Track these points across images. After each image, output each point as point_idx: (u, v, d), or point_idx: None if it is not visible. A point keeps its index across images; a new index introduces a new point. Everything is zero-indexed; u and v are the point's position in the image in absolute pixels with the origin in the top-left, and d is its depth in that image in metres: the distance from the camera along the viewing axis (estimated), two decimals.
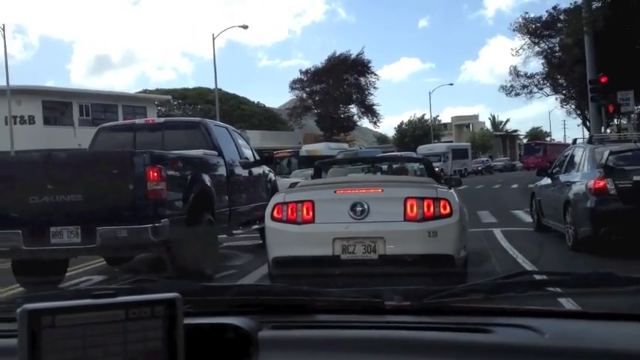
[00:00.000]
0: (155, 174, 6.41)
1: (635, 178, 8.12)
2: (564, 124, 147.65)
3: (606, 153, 8.41)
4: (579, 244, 8.56)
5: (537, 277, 1.68)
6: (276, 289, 1.75)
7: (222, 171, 8.51)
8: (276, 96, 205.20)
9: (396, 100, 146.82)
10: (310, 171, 10.46)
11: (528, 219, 12.72)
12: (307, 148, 33.92)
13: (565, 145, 71.68)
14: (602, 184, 8.21)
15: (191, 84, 61.20)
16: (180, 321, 1.00)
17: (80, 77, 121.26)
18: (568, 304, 2.83)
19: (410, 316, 1.45)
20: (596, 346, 1.21)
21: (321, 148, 34.83)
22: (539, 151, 58.97)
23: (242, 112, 56.79)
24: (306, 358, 1.25)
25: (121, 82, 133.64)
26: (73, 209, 6.45)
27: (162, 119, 10.34)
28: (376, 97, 65.80)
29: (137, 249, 6.93)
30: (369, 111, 58.48)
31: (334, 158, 17.72)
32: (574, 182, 9.14)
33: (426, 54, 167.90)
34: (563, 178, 9.93)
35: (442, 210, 5.53)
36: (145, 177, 6.37)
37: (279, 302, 1.52)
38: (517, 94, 42.68)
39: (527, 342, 1.24)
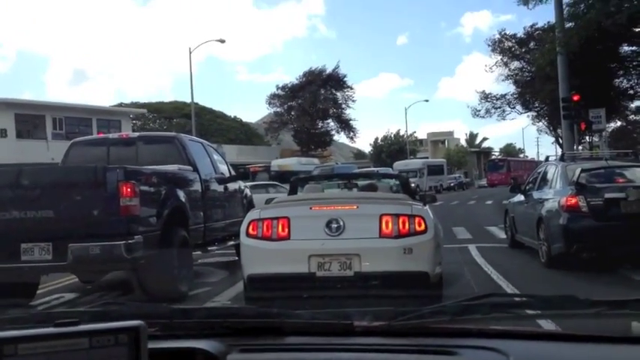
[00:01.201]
0: (128, 189, 6.34)
1: (607, 195, 8.24)
2: (537, 142, 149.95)
3: (578, 170, 8.53)
4: (552, 261, 8.63)
5: (502, 299, 1.72)
6: (245, 311, 1.74)
7: (197, 186, 8.45)
8: (253, 111, 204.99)
9: (375, 116, 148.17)
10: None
11: (502, 235, 12.82)
12: (278, 163, 33.72)
13: (529, 162, 71.44)
14: (573, 201, 8.31)
15: (170, 98, 60.87)
16: (144, 348, 0.99)
17: (57, 90, 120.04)
18: (533, 326, 2.94)
19: (378, 337, 1.46)
20: None
21: (292, 163, 34.72)
22: (503, 168, 59.15)
23: (218, 127, 56.58)
24: None
25: (99, 96, 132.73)
26: (45, 225, 6.34)
27: (136, 134, 10.25)
28: (353, 112, 66.23)
29: (110, 266, 6.82)
30: (346, 126, 58.70)
31: (310, 174, 17.71)
32: (546, 199, 9.24)
33: (404, 70, 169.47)
34: (536, 195, 10.04)
35: (417, 227, 5.54)
36: (118, 193, 6.30)
37: (247, 325, 1.51)
38: (488, 114, 43.08)
39: None
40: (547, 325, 2.26)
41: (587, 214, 8.23)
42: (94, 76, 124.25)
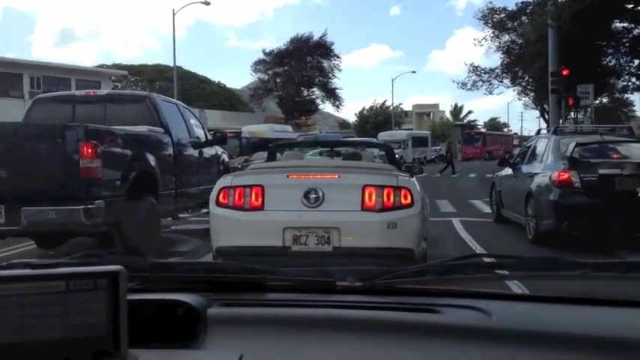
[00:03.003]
0: (89, 150, 5.82)
1: (601, 171, 7.88)
2: (522, 116, 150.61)
3: (572, 144, 8.14)
4: (540, 238, 8.33)
5: (487, 259, 1.65)
6: (227, 267, 1.67)
7: (168, 150, 7.93)
8: (240, 77, 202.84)
9: (363, 87, 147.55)
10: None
11: (487, 209, 12.54)
12: (250, 129, 31.95)
13: (507, 136, 70.82)
14: (566, 176, 7.95)
15: (158, 62, 59.33)
16: (123, 294, 0.97)
17: (42, 50, 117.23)
18: (516, 287, 2.90)
19: (361, 295, 1.46)
20: (543, 329, 1.23)
21: (264, 129, 33.36)
22: (479, 141, 57.68)
23: (202, 92, 55.63)
24: (255, 335, 1.24)
25: (85, 57, 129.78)
26: None
27: (105, 91, 9.65)
28: (340, 81, 65.37)
29: (68, 232, 6.32)
30: (332, 95, 58.02)
31: (293, 140, 17.15)
32: (537, 174, 8.87)
33: (395, 42, 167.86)
34: (525, 169, 9.67)
35: (403, 200, 5.09)
36: (78, 153, 5.78)
37: (230, 280, 1.51)
38: (475, 88, 42.61)
39: (475, 323, 1.26)
40: (531, 286, 2.23)
41: (579, 190, 7.88)
42: (81, 38, 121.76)
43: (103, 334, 0.95)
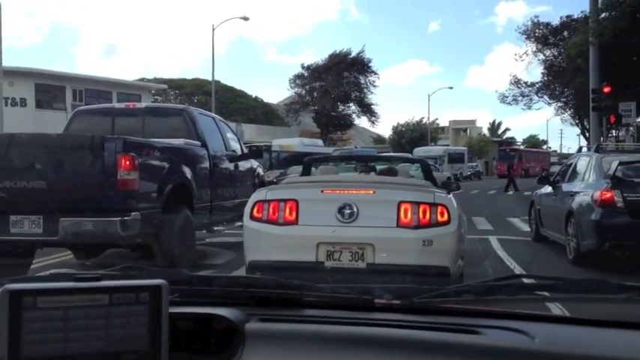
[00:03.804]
0: (127, 162, 5.87)
1: None
2: (561, 133, 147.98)
3: (615, 163, 7.92)
4: (581, 258, 8.10)
5: (529, 280, 1.62)
6: (265, 281, 1.66)
7: (205, 163, 7.96)
8: (277, 92, 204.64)
9: (400, 103, 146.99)
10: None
11: (525, 228, 12.29)
12: (280, 143, 31.98)
13: (543, 153, 68.75)
14: (609, 195, 7.73)
15: (195, 76, 60.29)
16: (165, 308, 0.97)
17: (85, 64, 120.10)
18: (559, 309, 2.73)
19: (399, 314, 1.44)
20: (587, 353, 1.20)
21: (294, 143, 33.37)
22: (514, 158, 56.41)
23: (239, 106, 56.16)
24: (293, 351, 1.23)
25: (127, 70, 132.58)
26: (36, 197, 5.92)
27: (143, 104, 9.75)
28: (376, 97, 65.22)
29: (104, 243, 6.38)
30: (367, 110, 57.97)
31: (327, 155, 17.11)
32: (578, 192, 8.65)
33: (433, 57, 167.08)
34: (565, 187, 9.45)
35: (439, 217, 4.99)
36: (116, 165, 5.84)
37: (268, 295, 1.50)
38: (515, 102, 42.14)
39: (517, 345, 1.24)
40: (575, 308, 2.09)
41: (622, 210, 7.66)
42: (123, 51, 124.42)
43: (144, 348, 0.96)
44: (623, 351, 1.23)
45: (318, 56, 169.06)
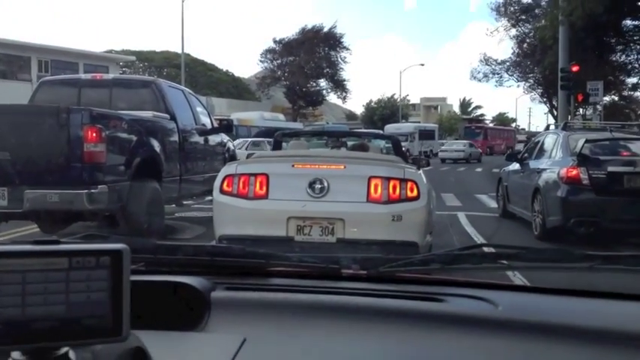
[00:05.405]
0: (94, 134, 5.76)
1: (610, 168, 7.78)
2: (530, 112, 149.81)
3: (581, 141, 8.04)
4: (546, 234, 8.24)
5: (493, 249, 1.63)
6: (232, 250, 1.64)
7: (174, 136, 7.86)
8: (247, 67, 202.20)
9: (372, 80, 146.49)
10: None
11: (493, 204, 12.45)
12: (239, 117, 31.62)
13: (508, 131, 68.59)
14: (575, 172, 7.85)
15: (165, 49, 59.24)
16: (126, 273, 0.95)
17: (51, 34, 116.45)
18: (523, 278, 2.86)
19: (366, 283, 1.45)
20: (549, 320, 1.22)
21: (254, 117, 33.03)
22: (479, 135, 56.20)
23: (209, 79, 55.50)
24: (259, 319, 1.23)
25: (95, 42, 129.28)
26: (1, 168, 5.78)
27: (110, 75, 9.55)
28: (348, 73, 65.04)
29: (71, 215, 6.28)
30: (339, 86, 57.82)
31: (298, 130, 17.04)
32: (545, 169, 8.77)
33: (408, 34, 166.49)
34: (533, 164, 9.57)
35: (409, 192, 5.01)
36: (82, 137, 5.72)
37: (234, 263, 1.51)
38: (486, 79, 42.53)
39: (480, 313, 1.26)
40: (538, 277, 2.20)
41: (588, 186, 7.79)
42: (90, 22, 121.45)
43: (104, 313, 0.94)
44: (582, 319, 1.25)
45: (290, 31, 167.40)
